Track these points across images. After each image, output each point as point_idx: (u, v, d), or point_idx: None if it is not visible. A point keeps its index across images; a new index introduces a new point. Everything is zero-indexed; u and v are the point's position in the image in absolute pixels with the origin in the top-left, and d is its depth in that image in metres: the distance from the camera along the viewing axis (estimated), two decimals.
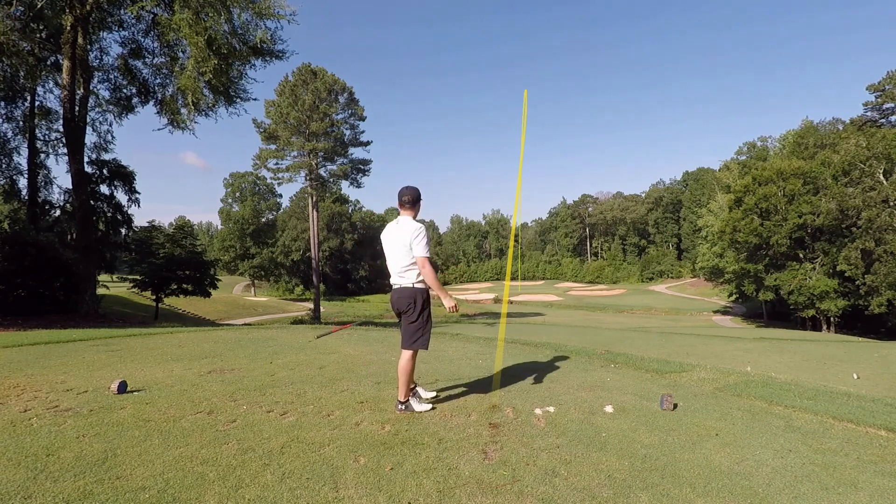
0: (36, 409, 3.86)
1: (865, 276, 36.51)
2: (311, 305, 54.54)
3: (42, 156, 23.48)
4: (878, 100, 52.23)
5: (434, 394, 4.41)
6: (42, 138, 23.49)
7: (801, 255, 42.94)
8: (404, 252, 3.81)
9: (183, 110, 17.61)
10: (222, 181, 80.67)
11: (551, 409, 4.10)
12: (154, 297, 30.25)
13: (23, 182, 23.81)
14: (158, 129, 19.00)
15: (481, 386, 4.83)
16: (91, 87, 18.35)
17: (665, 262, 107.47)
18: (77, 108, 16.65)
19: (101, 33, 18.75)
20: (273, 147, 44.55)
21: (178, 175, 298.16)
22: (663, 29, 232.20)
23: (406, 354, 3.87)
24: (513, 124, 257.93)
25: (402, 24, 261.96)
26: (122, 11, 17.29)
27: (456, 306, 3.90)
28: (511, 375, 5.37)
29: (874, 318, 37.69)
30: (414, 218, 3.95)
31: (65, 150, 18.89)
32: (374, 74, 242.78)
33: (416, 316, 3.85)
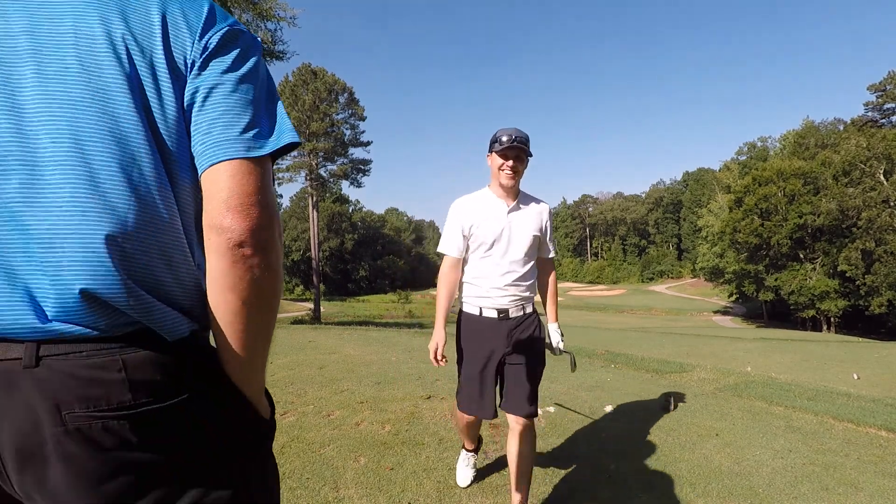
0: None
1: (866, 276, 36.51)
2: (311, 305, 54.53)
3: None
4: (879, 100, 52.24)
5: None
6: None
7: (801, 256, 42.93)
8: None
9: None
10: None
11: (551, 409, 4.09)
12: None
13: None
14: None
15: None
16: None
17: (665, 263, 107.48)
18: None
19: None
20: None
21: None
22: (663, 28, 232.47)
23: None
24: (514, 123, 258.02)
25: (402, 22, 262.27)
26: None
27: (436, 355, 2.35)
28: None
29: (874, 319, 37.68)
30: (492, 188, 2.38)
31: None
32: (373, 73, 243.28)
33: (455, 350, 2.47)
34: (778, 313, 49.71)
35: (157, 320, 0.68)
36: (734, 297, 58.34)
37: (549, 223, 2.41)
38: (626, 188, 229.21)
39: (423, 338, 8.85)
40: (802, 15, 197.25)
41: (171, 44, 0.72)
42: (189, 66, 0.72)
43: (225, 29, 0.75)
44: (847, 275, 38.27)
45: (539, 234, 2.36)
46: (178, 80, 0.72)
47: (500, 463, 2.98)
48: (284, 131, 0.75)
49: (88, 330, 0.65)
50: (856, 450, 3.46)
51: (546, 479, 2.79)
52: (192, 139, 0.73)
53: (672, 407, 4.25)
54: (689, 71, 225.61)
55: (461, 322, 2.43)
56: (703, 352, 12.62)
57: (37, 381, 0.63)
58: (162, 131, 0.71)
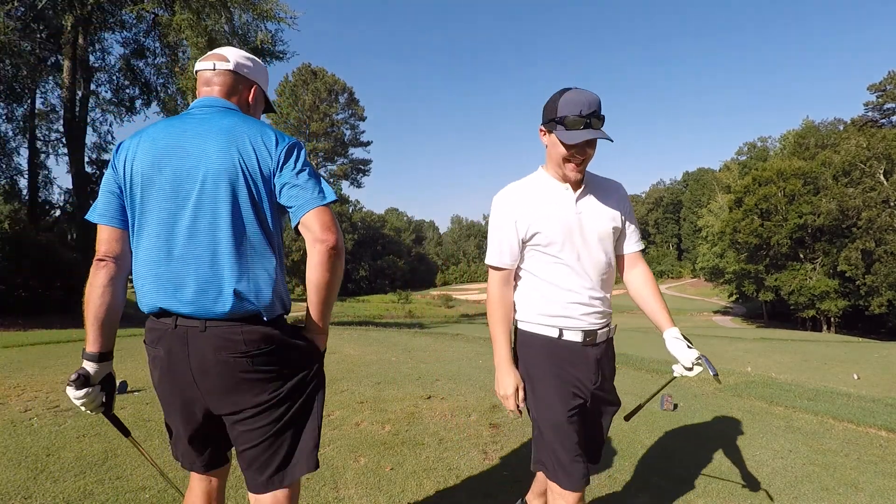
0: (36, 409, 3.86)
1: (866, 276, 36.54)
2: None
3: (42, 156, 23.42)
4: (879, 100, 52.23)
5: None
6: (42, 138, 23.42)
7: (801, 256, 42.93)
8: None
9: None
10: None
11: None
12: None
13: (23, 182, 23.76)
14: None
15: (482, 386, 4.83)
16: (92, 88, 18.36)
17: (665, 263, 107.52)
18: (77, 109, 16.67)
19: (102, 34, 18.75)
20: None
21: None
22: (663, 28, 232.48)
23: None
24: (514, 123, 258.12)
25: (402, 22, 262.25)
26: (122, 12, 17.31)
27: (516, 401, 1.74)
28: None
29: (874, 319, 37.70)
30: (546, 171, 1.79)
31: (65, 150, 18.87)
32: (373, 73, 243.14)
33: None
34: (778, 313, 49.70)
35: (265, 307, 1.39)
36: (734, 297, 58.33)
37: (628, 208, 1.83)
38: (626, 188, 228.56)
39: (422, 338, 8.84)
40: (802, 15, 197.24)
41: (260, 161, 1.38)
42: (272, 171, 1.39)
43: (286, 145, 1.42)
44: (847, 275, 38.29)
45: (619, 224, 1.78)
46: (266, 181, 1.39)
47: (501, 463, 2.98)
48: (332, 191, 1.44)
49: (229, 314, 1.35)
50: (856, 450, 3.46)
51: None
52: (287, 204, 1.39)
53: (672, 407, 4.25)
54: (688, 71, 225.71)
55: (527, 347, 1.76)
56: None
57: (205, 337, 1.36)
58: (262, 210, 1.39)
